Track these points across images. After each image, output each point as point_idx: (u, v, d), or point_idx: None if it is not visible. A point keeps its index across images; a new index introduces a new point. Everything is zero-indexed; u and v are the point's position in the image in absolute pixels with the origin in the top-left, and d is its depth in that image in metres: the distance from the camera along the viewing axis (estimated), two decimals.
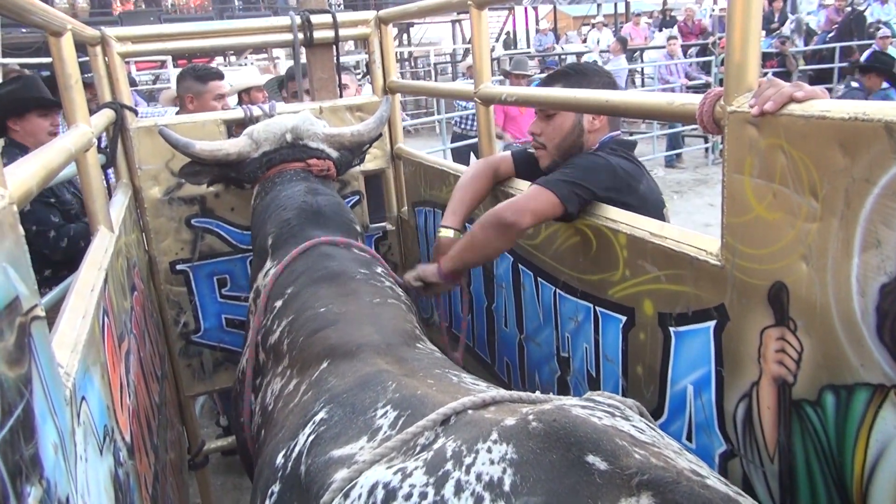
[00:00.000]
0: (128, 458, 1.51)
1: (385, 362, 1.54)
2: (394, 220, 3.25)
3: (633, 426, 1.07)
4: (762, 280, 1.25)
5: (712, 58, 10.75)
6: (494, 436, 1.01)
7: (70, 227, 2.83)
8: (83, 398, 1.15)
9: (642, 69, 13.44)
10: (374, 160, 3.11)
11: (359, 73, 6.76)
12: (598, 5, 21.87)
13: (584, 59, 12.59)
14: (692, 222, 6.98)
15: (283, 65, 13.71)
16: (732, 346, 1.35)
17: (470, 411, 1.15)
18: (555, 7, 21.79)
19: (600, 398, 1.19)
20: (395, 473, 1.05)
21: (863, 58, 9.36)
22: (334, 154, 2.53)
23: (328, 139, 2.52)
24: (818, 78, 11.03)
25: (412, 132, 13.00)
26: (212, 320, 2.95)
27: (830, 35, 11.87)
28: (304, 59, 3.16)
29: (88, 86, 2.84)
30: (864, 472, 1.11)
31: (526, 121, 6.02)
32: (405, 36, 20.98)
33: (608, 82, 2.03)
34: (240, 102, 4.75)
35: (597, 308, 1.80)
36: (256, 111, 2.83)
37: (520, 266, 2.18)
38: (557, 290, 1.97)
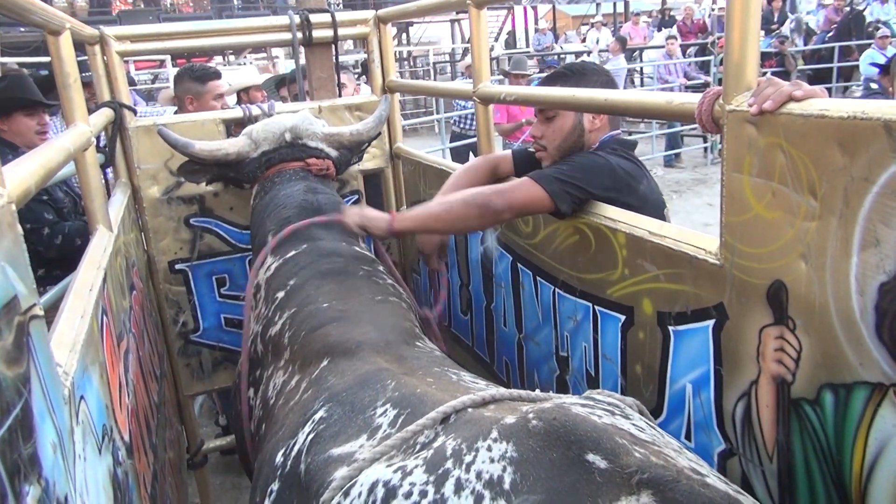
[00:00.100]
0: (126, 458, 1.51)
1: (384, 361, 1.55)
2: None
3: (633, 424, 1.07)
4: (761, 279, 1.25)
5: (711, 57, 10.75)
6: (494, 434, 1.01)
7: (65, 224, 2.82)
8: (82, 397, 1.15)
9: (641, 69, 13.44)
10: (373, 159, 3.11)
11: (357, 72, 6.75)
12: (598, 5, 21.86)
13: (582, 58, 12.61)
14: (691, 222, 6.98)
15: (282, 64, 13.72)
16: (731, 345, 1.35)
17: (470, 410, 1.15)
18: (554, 6, 21.79)
19: (600, 396, 1.19)
20: (395, 472, 1.05)
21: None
22: (333, 153, 2.54)
23: (327, 138, 2.52)
24: (817, 77, 11.03)
25: (408, 130, 13.00)
26: (211, 320, 2.95)
27: (829, 35, 11.87)
28: (303, 59, 3.16)
29: (87, 85, 2.84)
30: (862, 470, 1.11)
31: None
32: (404, 35, 20.97)
33: (606, 81, 2.03)
34: (239, 102, 4.75)
35: (596, 307, 1.80)
36: (255, 110, 2.83)
37: (519, 265, 2.18)
38: (556, 290, 1.97)
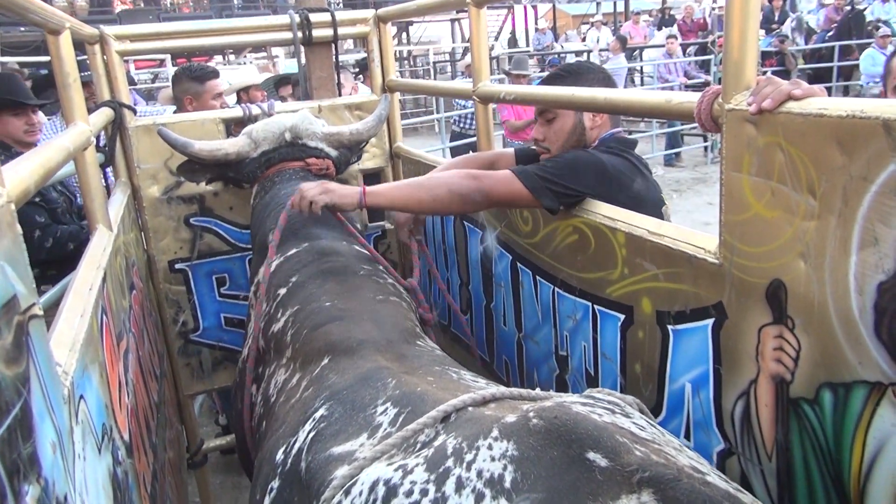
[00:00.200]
0: (126, 457, 1.51)
1: (385, 359, 1.55)
2: (393, 218, 3.25)
3: (634, 423, 1.07)
4: (760, 278, 1.25)
5: (711, 56, 10.75)
6: (495, 433, 1.01)
7: (57, 227, 2.80)
8: (81, 397, 1.15)
9: (641, 68, 13.44)
10: (372, 159, 3.11)
11: (354, 71, 6.74)
12: (598, 4, 21.87)
13: (582, 58, 12.59)
14: (691, 221, 6.99)
15: (282, 64, 13.71)
16: (730, 345, 1.35)
17: (470, 408, 1.15)
18: (554, 5, 21.78)
19: (600, 395, 1.19)
20: (395, 470, 1.06)
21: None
22: (333, 153, 2.54)
23: (327, 138, 2.53)
24: (817, 77, 11.03)
25: (408, 130, 13.00)
26: (211, 319, 2.95)
27: (830, 34, 11.86)
28: (303, 58, 3.16)
29: (87, 84, 2.85)
30: (861, 469, 1.11)
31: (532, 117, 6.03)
32: (404, 34, 20.97)
33: (603, 79, 2.03)
34: (238, 101, 4.76)
35: (595, 306, 1.80)
36: (255, 110, 2.83)
37: (518, 265, 2.18)
38: (556, 289, 1.97)
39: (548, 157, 2.06)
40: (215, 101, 3.68)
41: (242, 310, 2.92)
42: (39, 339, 0.89)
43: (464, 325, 2.59)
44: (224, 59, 17.32)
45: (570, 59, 13.21)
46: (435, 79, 16.03)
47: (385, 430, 1.23)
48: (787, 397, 1.23)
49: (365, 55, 3.54)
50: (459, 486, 0.97)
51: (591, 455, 0.93)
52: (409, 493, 1.00)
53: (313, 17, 2.95)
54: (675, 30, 13.47)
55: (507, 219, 2.18)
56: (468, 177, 1.90)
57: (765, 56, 10.25)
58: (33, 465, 0.80)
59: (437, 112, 9.61)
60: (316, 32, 2.96)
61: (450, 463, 1.01)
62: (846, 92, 11.24)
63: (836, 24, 11.95)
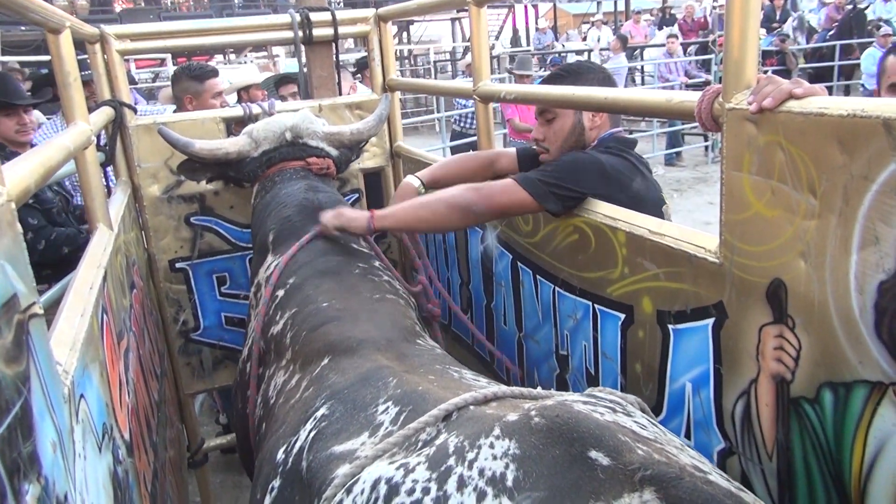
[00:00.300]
0: (127, 456, 1.51)
1: (385, 358, 1.55)
2: None
3: (635, 422, 1.07)
4: (761, 277, 1.25)
5: (712, 55, 10.74)
6: (497, 431, 1.01)
7: (53, 230, 2.78)
8: (82, 396, 1.15)
9: (642, 67, 13.42)
10: (373, 158, 3.11)
11: (352, 70, 6.73)
12: (598, 3, 21.86)
13: (582, 57, 12.58)
14: (692, 220, 6.99)
15: (283, 63, 13.71)
16: (731, 344, 1.35)
17: (472, 407, 1.15)
18: (555, 4, 21.78)
19: (602, 394, 1.19)
20: (397, 469, 1.06)
21: None
22: (334, 152, 2.54)
23: (328, 137, 2.53)
24: (818, 76, 11.02)
25: (408, 129, 13.00)
26: (211, 318, 2.95)
27: (830, 33, 11.85)
28: (303, 58, 3.16)
29: (87, 83, 2.85)
30: (862, 469, 1.11)
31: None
32: (405, 34, 20.97)
33: (603, 78, 2.03)
34: (239, 100, 4.75)
35: (596, 306, 1.80)
36: (256, 109, 2.83)
37: (519, 264, 2.18)
38: (556, 288, 1.97)
39: (547, 157, 2.07)
40: (215, 100, 3.68)
41: (243, 309, 2.92)
42: (40, 338, 0.89)
43: (461, 318, 2.59)
44: (225, 58, 17.33)
45: (571, 58, 13.20)
46: (435, 78, 16.02)
47: (386, 428, 1.23)
48: (787, 397, 1.23)
49: (363, 54, 3.54)
50: (461, 484, 0.97)
51: (593, 454, 0.93)
52: (410, 492, 1.00)
53: (314, 17, 2.95)
54: (675, 29, 13.46)
55: (507, 218, 2.18)
56: (468, 189, 1.92)
57: (766, 55, 10.25)
58: (33, 463, 0.80)
59: (438, 111, 9.61)
60: (316, 31, 2.96)
61: (451, 461, 1.01)
62: (847, 91, 11.22)
63: (837, 23, 11.93)
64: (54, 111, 4.17)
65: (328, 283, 1.91)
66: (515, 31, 21.04)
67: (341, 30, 3.02)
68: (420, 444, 1.11)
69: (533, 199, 1.81)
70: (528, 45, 18.26)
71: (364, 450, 1.19)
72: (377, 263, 2.11)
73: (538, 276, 2.07)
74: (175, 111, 3.80)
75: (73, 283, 1.49)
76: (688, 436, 1.53)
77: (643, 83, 13.38)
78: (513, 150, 2.32)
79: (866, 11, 11.91)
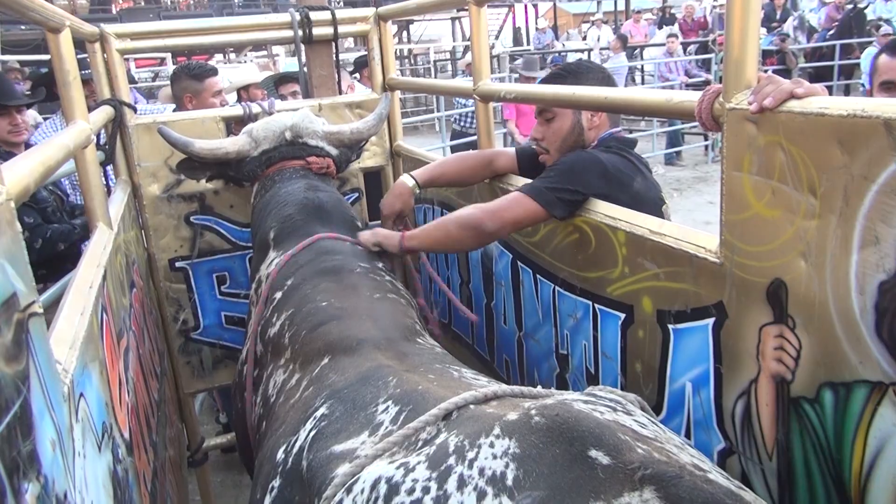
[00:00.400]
0: (126, 455, 1.51)
1: (385, 358, 1.55)
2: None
3: (636, 421, 1.07)
4: (761, 277, 1.25)
5: (712, 55, 10.74)
6: (497, 430, 1.01)
7: (47, 228, 2.79)
8: (81, 395, 1.15)
9: (642, 67, 13.42)
10: (373, 157, 3.11)
11: (349, 69, 6.72)
12: (598, 2, 21.85)
13: (582, 56, 12.57)
14: (692, 220, 6.98)
15: (283, 62, 13.71)
16: (731, 344, 1.35)
17: (472, 406, 1.15)
18: (555, 4, 21.78)
19: (602, 393, 1.19)
20: (397, 468, 1.06)
21: None
22: (334, 151, 2.53)
23: (328, 137, 2.52)
24: (818, 76, 11.00)
25: (408, 128, 12.99)
26: (211, 317, 2.95)
27: (831, 33, 11.84)
28: (303, 57, 3.16)
29: (87, 82, 2.84)
30: (862, 469, 1.11)
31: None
32: (405, 33, 20.96)
33: (603, 78, 2.03)
34: (239, 99, 4.75)
35: (596, 305, 1.80)
36: (255, 108, 2.83)
37: (519, 263, 2.18)
38: (556, 288, 1.97)
39: (546, 157, 2.07)
40: (215, 99, 3.68)
41: (243, 308, 2.92)
42: (39, 336, 0.89)
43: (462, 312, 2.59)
44: (224, 57, 17.33)
45: (572, 57, 13.20)
46: (435, 77, 16.02)
47: (386, 428, 1.23)
48: (787, 396, 1.23)
49: (362, 53, 3.53)
50: (461, 483, 0.97)
51: (593, 453, 0.93)
52: (410, 491, 1.00)
53: (314, 16, 2.94)
54: (675, 28, 13.46)
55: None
56: (477, 208, 1.95)
57: (766, 54, 10.24)
58: (33, 462, 0.80)
59: (438, 111, 9.61)
60: (316, 31, 2.96)
61: (451, 461, 1.01)
62: (847, 91, 11.22)
63: (837, 23, 11.92)
64: (54, 110, 4.17)
65: (326, 283, 1.91)
66: (517, 30, 21.04)
67: (341, 29, 3.02)
68: (420, 444, 1.11)
69: (542, 208, 1.82)
70: (528, 44, 18.26)
71: (364, 449, 1.19)
72: (380, 264, 2.12)
73: (538, 276, 2.07)
74: (175, 110, 3.80)
75: (72, 281, 1.49)
76: (688, 435, 1.53)
77: (643, 83, 13.38)
78: (511, 149, 2.32)
79: (866, 11, 11.90)
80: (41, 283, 2.50)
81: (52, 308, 1.37)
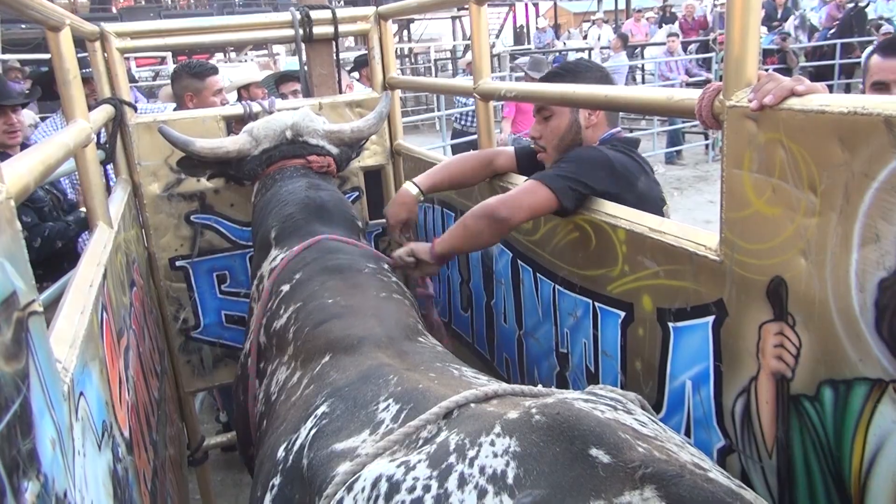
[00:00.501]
0: (126, 454, 1.51)
1: (386, 356, 1.55)
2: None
3: (636, 419, 1.07)
4: (761, 275, 1.24)
5: (713, 54, 10.73)
6: (497, 429, 1.01)
7: (45, 226, 2.78)
8: (81, 394, 1.15)
9: (643, 66, 13.41)
10: (373, 156, 3.11)
11: (348, 69, 6.71)
12: (599, 1, 21.83)
13: (582, 55, 12.57)
14: (692, 219, 6.98)
15: (283, 61, 13.70)
16: (731, 342, 1.35)
17: (472, 405, 1.15)
18: (555, 3, 21.76)
19: (602, 391, 1.19)
20: (398, 466, 1.06)
21: None
22: (334, 150, 2.53)
23: (328, 135, 2.52)
24: (819, 75, 10.99)
25: (409, 127, 12.98)
26: (211, 316, 2.95)
27: (832, 31, 11.84)
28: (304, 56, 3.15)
29: (87, 81, 2.84)
30: (862, 466, 1.11)
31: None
32: (405, 32, 20.95)
33: (601, 77, 2.03)
34: (239, 98, 4.75)
35: (596, 303, 1.80)
36: (256, 107, 2.83)
37: (519, 262, 2.18)
38: (556, 286, 1.97)
39: (544, 155, 2.07)
40: (215, 98, 3.68)
41: (243, 307, 2.92)
42: (39, 335, 0.89)
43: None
44: (225, 56, 17.31)
45: (572, 56, 13.19)
46: (436, 76, 16.01)
47: (387, 426, 1.23)
48: (787, 394, 1.23)
49: (362, 52, 3.53)
50: (462, 482, 0.97)
51: (594, 451, 0.93)
52: (411, 489, 1.00)
53: (314, 15, 2.94)
54: (676, 27, 13.44)
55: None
56: (492, 198, 1.94)
57: (766, 53, 10.23)
58: (33, 461, 0.80)
59: (438, 110, 9.60)
60: (317, 29, 2.96)
61: (452, 459, 1.01)
62: (848, 90, 11.20)
63: (838, 22, 11.91)
64: (54, 109, 4.17)
65: (334, 280, 1.92)
66: (519, 29, 21.03)
67: (342, 28, 3.02)
68: (421, 442, 1.11)
69: (554, 195, 1.79)
70: (529, 43, 18.25)
71: (365, 447, 1.19)
72: (386, 265, 2.12)
73: (538, 274, 2.07)
74: (175, 109, 3.80)
75: (72, 280, 1.49)
76: (688, 433, 1.53)
77: (644, 81, 13.36)
78: (510, 148, 2.32)
79: (867, 10, 11.89)
80: (39, 283, 2.50)
81: (52, 307, 1.37)
